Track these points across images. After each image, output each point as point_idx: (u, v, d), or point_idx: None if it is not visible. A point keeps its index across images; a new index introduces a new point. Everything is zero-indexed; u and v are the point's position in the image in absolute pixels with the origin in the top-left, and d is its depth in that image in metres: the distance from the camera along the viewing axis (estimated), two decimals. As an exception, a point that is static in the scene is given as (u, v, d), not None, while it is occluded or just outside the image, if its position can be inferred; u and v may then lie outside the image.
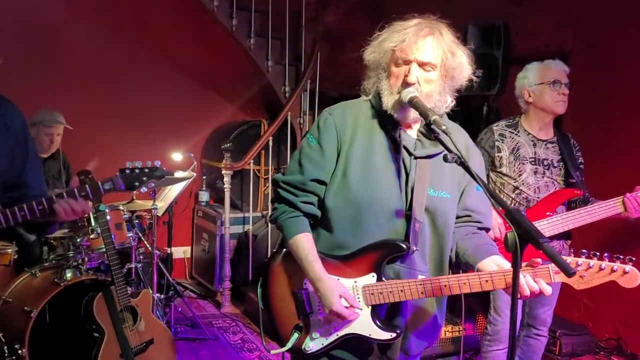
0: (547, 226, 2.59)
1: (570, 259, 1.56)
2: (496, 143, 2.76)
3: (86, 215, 1.84)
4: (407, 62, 1.64)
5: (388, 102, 1.68)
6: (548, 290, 1.55)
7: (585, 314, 3.99)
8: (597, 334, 3.85)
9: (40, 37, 4.52)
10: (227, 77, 5.42)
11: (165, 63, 5.14)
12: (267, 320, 1.82)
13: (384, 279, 1.69)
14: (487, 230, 1.87)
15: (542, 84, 2.70)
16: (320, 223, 1.77)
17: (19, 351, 2.73)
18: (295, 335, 1.73)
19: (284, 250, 1.80)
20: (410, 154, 1.71)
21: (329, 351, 1.75)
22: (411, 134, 1.76)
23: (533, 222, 2.47)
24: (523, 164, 2.73)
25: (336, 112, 1.77)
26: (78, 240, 3.18)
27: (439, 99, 1.69)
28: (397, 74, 1.66)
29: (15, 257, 3.14)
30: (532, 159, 2.74)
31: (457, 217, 1.81)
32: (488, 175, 2.80)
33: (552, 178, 2.75)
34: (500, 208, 1.42)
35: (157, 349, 2.94)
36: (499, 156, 2.75)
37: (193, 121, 5.33)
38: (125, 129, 4.92)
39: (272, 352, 1.77)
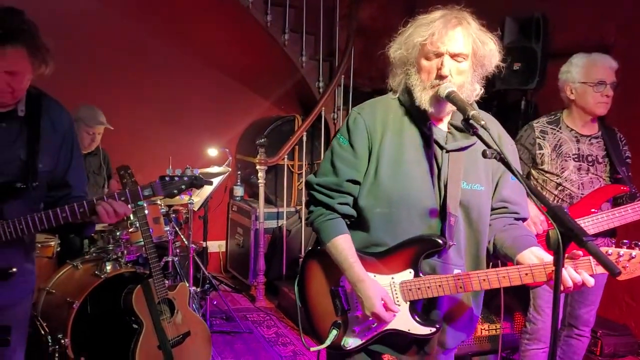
0: (591, 224, 2.52)
1: (612, 250, 1.55)
2: (537, 140, 2.68)
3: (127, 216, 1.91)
4: (439, 55, 1.62)
5: (422, 97, 1.65)
6: (591, 281, 1.53)
7: (628, 313, 3.87)
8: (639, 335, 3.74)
9: (74, 31, 4.59)
10: (262, 73, 5.46)
11: (200, 59, 5.21)
12: (304, 317, 1.82)
13: (421, 274, 1.68)
14: (524, 220, 1.85)
15: (585, 83, 2.58)
16: (354, 222, 1.77)
17: (62, 341, 2.82)
18: (334, 332, 1.73)
19: (319, 248, 1.80)
20: (441, 147, 1.70)
21: (367, 346, 1.75)
22: (442, 128, 1.74)
23: (577, 220, 2.42)
24: (566, 160, 2.65)
25: (365, 111, 1.75)
26: (117, 233, 3.26)
27: (470, 89, 1.67)
28: (429, 68, 1.64)
29: (58, 249, 3.25)
30: (576, 156, 2.65)
31: (494, 209, 1.80)
32: (529, 173, 2.74)
33: (596, 174, 2.66)
34: (542, 205, 1.39)
35: (193, 341, 2.99)
36: (540, 153, 2.68)
37: (228, 116, 5.38)
38: (161, 124, 5.01)
39: (312, 349, 1.77)
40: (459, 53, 1.62)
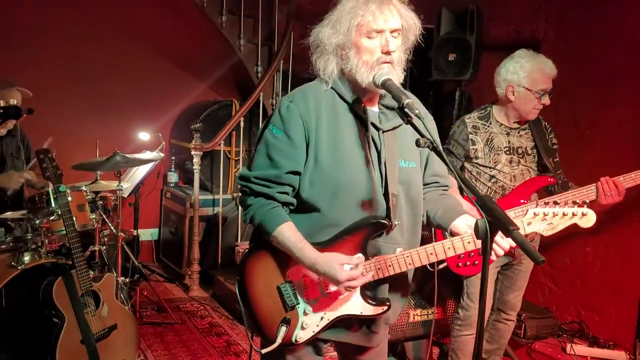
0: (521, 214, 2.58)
1: (538, 210, 1.68)
2: (470, 136, 2.71)
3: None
4: (380, 32, 1.62)
5: (370, 76, 1.64)
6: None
7: (550, 297, 4.06)
8: (560, 318, 3.93)
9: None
10: (198, 55, 5.29)
11: (132, 38, 4.97)
12: (249, 319, 1.76)
13: (370, 257, 1.68)
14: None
15: (530, 90, 2.58)
16: (298, 213, 1.72)
17: (-27, 337, 2.64)
18: (283, 328, 1.69)
19: (258, 247, 1.75)
20: (377, 129, 1.70)
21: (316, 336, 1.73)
22: (374, 109, 1.75)
23: (507, 210, 2.47)
24: (498, 154, 2.70)
25: (296, 99, 1.70)
26: (37, 222, 3.04)
27: (402, 63, 1.70)
28: (372, 47, 1.64)
29: (-31, 239, 3.02)
30: (507, 148, 2.71)
31: (426, 184, 1.87)
32: (463, 166, 2.77)
33: (527, 166, 2.72)
34: (472, 195, 1.39)
35: (120, 335, 2.87)
36: (473, 149, 2.70)
37: (162, 100, 5.19)
38: (89, 106, 4.77)
39: (263, 351, 1.72)
40: (396, 28, 1.64)
